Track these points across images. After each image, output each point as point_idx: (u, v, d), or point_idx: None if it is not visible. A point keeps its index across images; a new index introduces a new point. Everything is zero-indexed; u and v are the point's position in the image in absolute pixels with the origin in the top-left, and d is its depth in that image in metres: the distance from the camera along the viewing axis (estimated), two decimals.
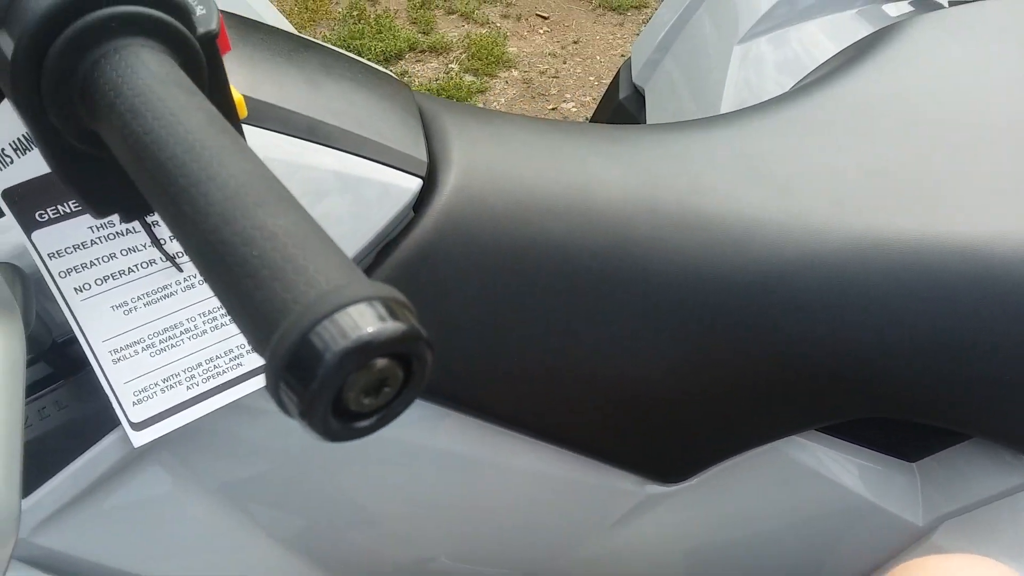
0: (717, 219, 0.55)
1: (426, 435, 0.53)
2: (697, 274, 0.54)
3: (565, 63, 2.39)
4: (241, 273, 0.20)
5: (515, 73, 2.34)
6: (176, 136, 0.22)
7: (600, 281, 0.53)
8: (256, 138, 0.44)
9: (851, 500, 0.62)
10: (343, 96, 0.48)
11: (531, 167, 0.54)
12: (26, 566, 0.46)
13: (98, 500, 0.46)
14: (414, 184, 0.48)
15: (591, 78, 2.34)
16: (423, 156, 0.50)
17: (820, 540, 0.64)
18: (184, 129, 0.22)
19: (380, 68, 0.56)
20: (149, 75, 0.24)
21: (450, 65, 2.35)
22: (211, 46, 0.28)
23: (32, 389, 0.44)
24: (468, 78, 2.30)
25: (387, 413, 0.21)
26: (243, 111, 0.34)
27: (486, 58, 2.34)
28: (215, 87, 0.28)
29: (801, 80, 0.82)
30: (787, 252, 0.54)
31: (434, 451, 0.54)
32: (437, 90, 2.23)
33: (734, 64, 0.94)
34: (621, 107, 1.11)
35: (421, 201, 0.49)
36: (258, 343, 0.20)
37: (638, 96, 1.09)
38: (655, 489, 0.60)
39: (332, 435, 0.20)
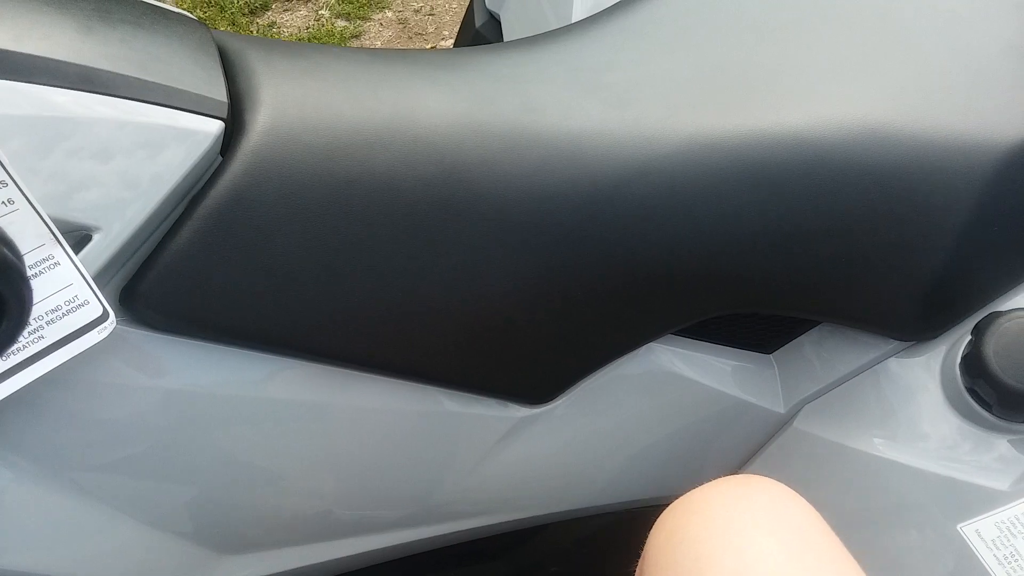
0: (549, 136, 0.54)
1: (280, 389, 0.52)
2: (532, 193, 0.53)
3: None
4: None
5: (389, 14, 2.28)
6: None
7: (433, 210, 0.51)
8: (24, 95, 0.41)
9: (714, 397, 0.64)
10: (122, 40, 0.45)
11: (349, 99, 0.52)
12: None
13: None
14: (214, 127, 0.45)
15: None
16: (223, 96, 0.47)
17: (690, 441, 0.66)
18: None
19: (172, 8, 0.52)
20: None
21: (320, 11, 2.27)
22: None
23: None
24: (340, 23, 2.23)
25: None
26: None
27: (357, 0, 2.27)
28: None
29: None
30: (621, 162, 0.54)
31: (293, 405, 0.53)
32: (308, 38, 2.15)
33: None
34: (479, 36, 1.08)
35: (229, 145, 0.47)
36: None
37: (495, 22, 1.07)
38: (524, 412, 0.60)
39: None
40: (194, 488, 0.53)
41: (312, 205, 0.48)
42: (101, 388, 0.47)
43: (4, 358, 0.41)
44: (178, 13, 0.52)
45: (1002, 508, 0.52)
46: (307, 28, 2.19)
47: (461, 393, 0.58)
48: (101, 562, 0.53)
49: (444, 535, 0.64)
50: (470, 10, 1.11)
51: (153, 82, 0.44)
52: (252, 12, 2.24)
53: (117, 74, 0.43)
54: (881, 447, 0.58)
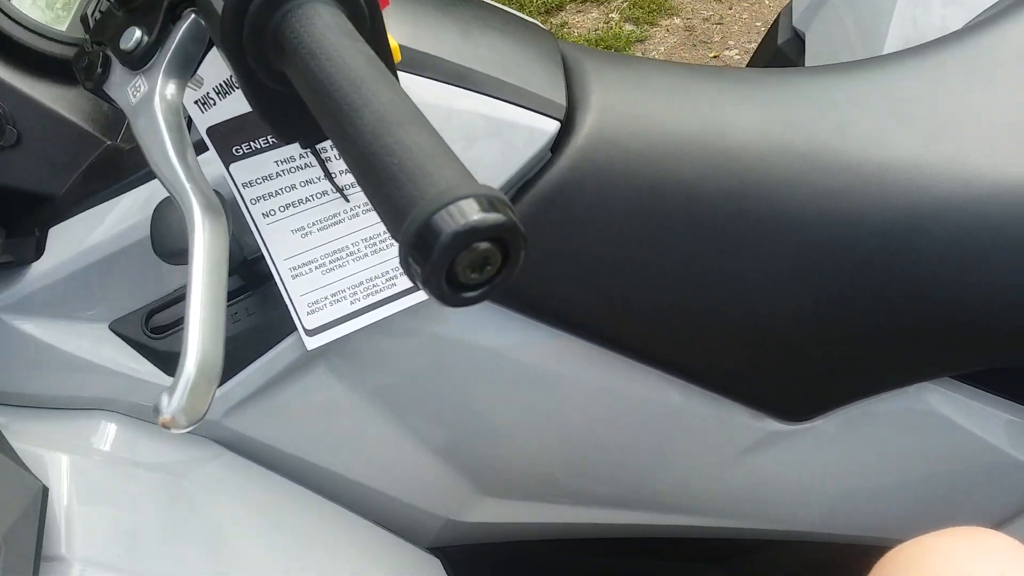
0: (857, 161, 0.55)
1: (558, 361, 0.58)
2: (833, 215, 0.55)
3: (731, 8, 2.32)
4: (385, 177, 0.25)
5: (677, 21, 2.30)
6: (342, 73, 0.28)
7: (733, 221, 0.55)
8: (412, 84, 0.49)
9: (984, 450, 0.61)
10: (491, 45, 0.53)
11: (667, 109, 0.56)
12: (219, 446, 0.55)
13: (276, 393, 0.54)
14: (552, 126, 0.52)
15: (757, 23, 2.26)
16: (562, 100, 0.53)
17: (946, 491, 0.64)
18: (348, 68, 0.28)
19: (528, 18, 0.59)
20: (324, 26, 0.30)
21: (611, 15, 2.34)
22: (373, 2, 0.33)
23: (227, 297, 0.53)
24: (628, 27, 2.29)
25: (489, 288, 0.26)
26: (397, 56, 0.40)
27: (648, 6, 2.32)
28: (375, 35, 0.33)
29: (969, 21, 0.78)
30: (931, 196, 0.54)
31: (564, 376, 0.59)
32: (596, 40, 2.23)
33: (901, 4, 0.90)
34: (780, 53, 1.09)
35: (560, 142, 0.53)
36: (395, 230, 0.25)
37: (798, 41, 1.07)
38: (778, 427, 0.62)
39: (445, 299, 0.26)
40: (471, 431, 0.61)
41: (623, 204, 0.54)
42: (417, 334, 0.55)
43: (365, 297, 0.50)
44: (532, 22, 0.59)
45: None
46: (596, 30, 2.28)
47: (719, 396, 0.61)
48: (388, 474, 0.62)
49: (672, 526, 0.67)
50: (774, 25, 1.11)
51: (511, 83, 0.51)
52: (547, 11, 2.37)
53: (485, 74, 0.51)
54: None
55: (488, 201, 0.25)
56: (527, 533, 0.69)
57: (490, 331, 0.57)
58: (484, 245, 0.25)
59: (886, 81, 0.61)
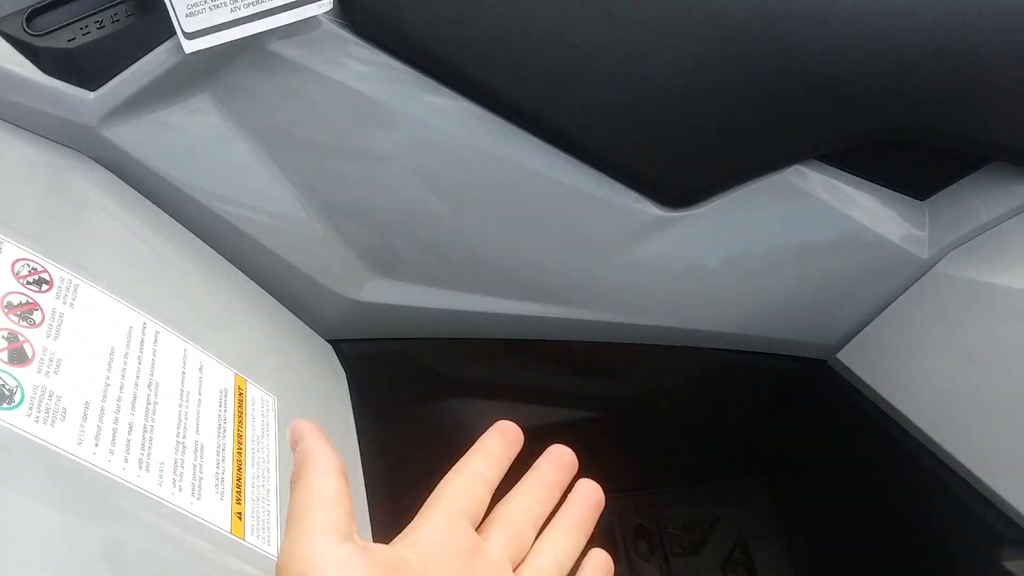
0: None
1: (447, 123, 0.59)
2: None
3: None
4: None
5: None
6: None
7: None
8: None
9: (857, 232, 0.64)
10: None
11: None
12: (94, 162, 0.55)
13: (156, 108, 0.54)
14: None
15: None
16: None
17: (824, 273, 0.66)
18: None
19: None
20: None
21: None
22: None
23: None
24: None
25: None
26: None
27: None
28: None
29: None
30: None
31: (452, 140, 0.59)
32: None
33: None
34: None
35: None
36: None
37: None
38: (662, 212, 0.64)
39: None
40: (360, 196, 0.61)
41: None
42: (305, 73, 0.56)
43: (246, 6, 0.51)
44: None
45: None
46: None
47: (607, 179, 0.62)
48: (274, 230, 0.62)
49: (565, 319, 0.68)
50: None
51: None
52: None
53: None
54: None
55: None
56: (421, 326, 0.69)
57: (383, 84, 0.57)
58: None
59: None
